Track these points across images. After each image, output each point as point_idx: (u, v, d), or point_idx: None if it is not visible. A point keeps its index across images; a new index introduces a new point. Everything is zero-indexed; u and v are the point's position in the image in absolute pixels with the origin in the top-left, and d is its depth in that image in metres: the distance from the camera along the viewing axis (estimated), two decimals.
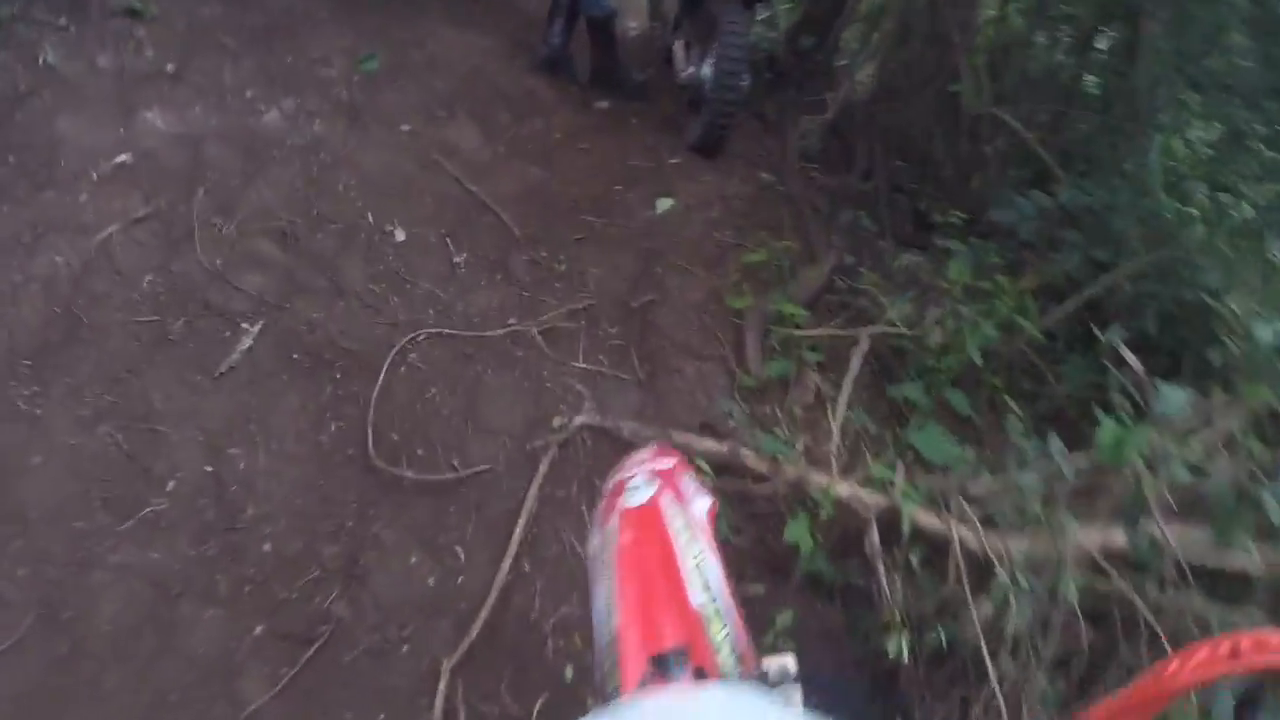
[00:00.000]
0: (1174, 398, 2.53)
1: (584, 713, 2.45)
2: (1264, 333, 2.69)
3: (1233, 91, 3.98)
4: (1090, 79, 5.10)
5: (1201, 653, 1.00)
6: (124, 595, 2.61)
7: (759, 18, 5.60)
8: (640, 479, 1.82)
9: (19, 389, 2.92)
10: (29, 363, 2.98)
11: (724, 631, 1.59)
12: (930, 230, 4.35)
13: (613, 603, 1.64)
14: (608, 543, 1.74)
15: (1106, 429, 2.59)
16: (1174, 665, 1.02)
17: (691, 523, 1.75)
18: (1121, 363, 2.74)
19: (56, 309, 3.13)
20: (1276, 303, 3.07)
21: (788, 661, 1.92)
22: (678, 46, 5.10)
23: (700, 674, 1.50)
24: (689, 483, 1.82)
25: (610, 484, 1.85)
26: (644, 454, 1.91)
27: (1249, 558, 2.46)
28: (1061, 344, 3.86)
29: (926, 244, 4.26)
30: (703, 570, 1.67)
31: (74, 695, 2.47)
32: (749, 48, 4.54)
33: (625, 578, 1.67)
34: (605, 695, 1.52)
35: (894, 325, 3.61)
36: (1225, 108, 4.11)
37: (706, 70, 4.62)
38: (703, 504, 1.81)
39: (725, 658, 1.56)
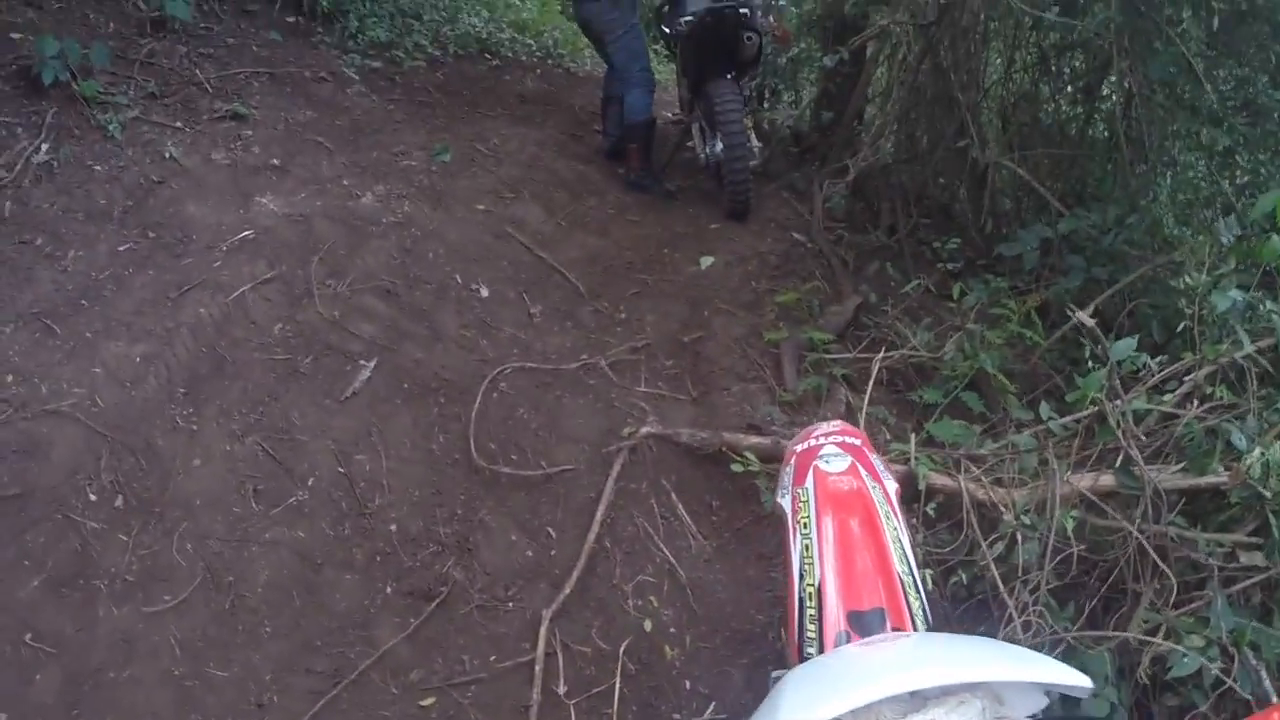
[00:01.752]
0: (1122, 346, 3.06)
1: (663, 659, 3.01)
2: (1221, 301, 3.22)
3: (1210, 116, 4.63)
4: (1100, 124, 5.76)
5: None
6: (275, 564, 3.15)
7: (749, 89, 6.06)
8: (833, 449, 2.05)
9: (177, 410, 3.51)
10: (184, 390, 3.57)
11: (918, 602, 1.82)
12: (951, 275, 4.89)
13: (813, 559, 1.86)
14: (806, 501, 1.95)
15: (1079, 381, 3.14)
16: None
17: (886, 498, 1.99)
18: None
19: (203, 349, 3.72)
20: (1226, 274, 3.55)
21: None
22: (694, 129, 5.71)
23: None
24: (878, 462, 2.08)
25: (797, 446, 2.12)
26: (829, 425, 2.18)
27: (1218, 477, 2.98)
28: (1080, 367, 4.33)
29: (947, 285, 4.78)
30: (900, 542, 1.90)
31: (234, 641, 3.00)
32: (742, 118, 5.16)
33: (826, 534, 1.89)
34: (801, 650, 1.76)
35: (915, 350, 4.14)
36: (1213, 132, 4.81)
37: (718, 146, 5.23)
38: (892, 485, 2.06)
39: (921, 624, 1.77)
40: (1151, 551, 2.89)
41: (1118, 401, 3.08)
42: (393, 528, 3.31)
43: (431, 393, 3.77)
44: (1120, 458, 3.08)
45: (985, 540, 3.06)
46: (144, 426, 3.45)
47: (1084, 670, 2.74)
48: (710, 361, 4.22)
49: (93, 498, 3.26)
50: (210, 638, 2.99)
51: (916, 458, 3.30)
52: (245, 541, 3.20)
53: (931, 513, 3.20)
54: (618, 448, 3.63)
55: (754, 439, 3.62)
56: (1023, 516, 3.02)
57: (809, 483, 1.99)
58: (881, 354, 3.97)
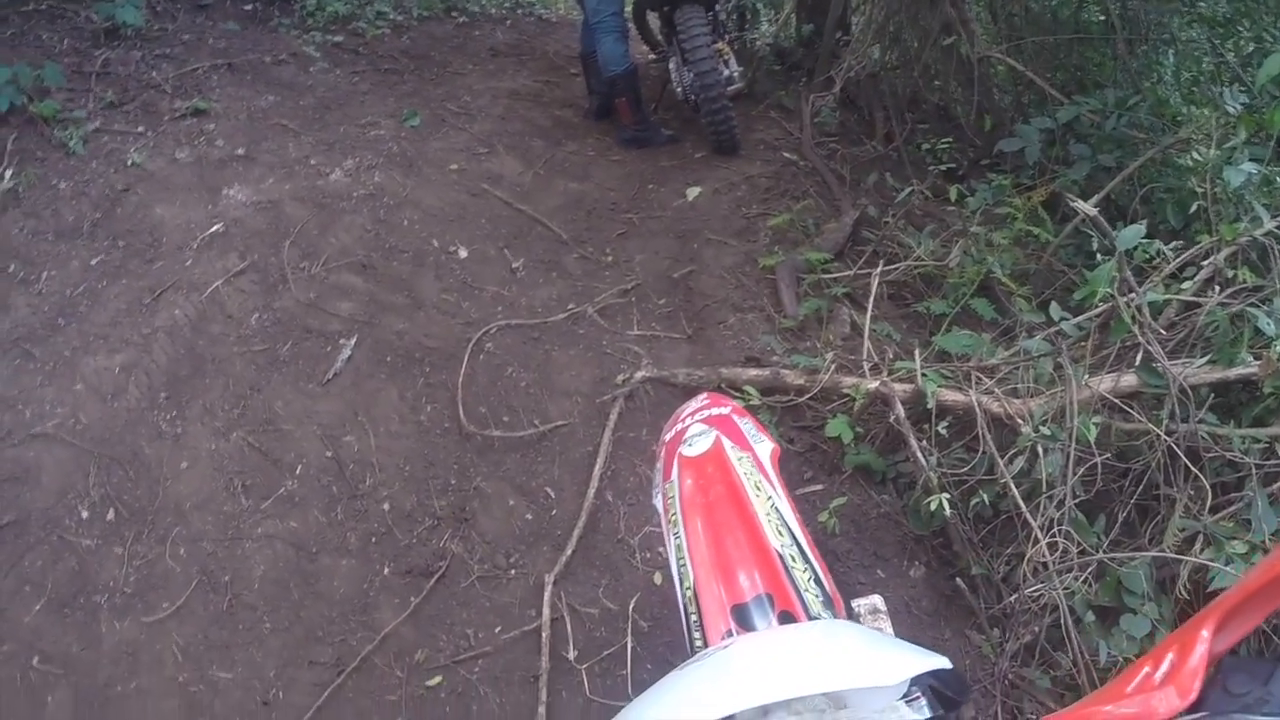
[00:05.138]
0: (1129, 233, 2.81)
1: (675, 613, 2.80)
2: (1234, 176, 2.99)
3: None
4: (1093, 6, 5.48)
5: None
6: (270, 558, 3.08)
7: (723, 12, 5.60)
8: (697, 428, 1.86)
9: (160, 415, 3.44)
10: (165, 395, 3.50)
11: (807, 573, 1.62)
12: (952, 178, 4.69)
13: (685, 558, 1.67)
14: (673, 498, 1.76)
15: (1087, 276, 2.92)
16: None
17: (758, 466, 1.78)
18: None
19: (181, 351, 3.65)
20: (1238, 147, 3.30)
21: (876, 600, 2.14)
22: (672, 64, 5.39)
23: (787, 618, 1.55)
24: (749, 427, 1.89)
25: (666, 437, 1.94)
26: (696, 403, 1.99)
27: (1247, 367, 2.77)
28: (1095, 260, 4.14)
29: (948, 190, 4.57)
30: (776, 513, 1.70)
31: (235, 641, 2.94)
32: (712, 45, 4.84)
33: (695, 529, 1.69)
34: (692, 651, 1.58)
35: (920, 260, 3.93)
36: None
37: (690, 77, 4.98)
38: (766, 448, 1.85)
39: (812, 599, 1.59)
40: (1181, 454, 2.69)
41: (1131, 294, 2.85)
42: (386, 506, 3.21)
43: (416, 363, 3.66)
44: (1140, 355, 2.86)
45: (1003, 456, 2.87)
46: (129, 437, 3.39)
47: (1124, 587, 2.62)
48: (704, 295, 4.05)
49: (85, 515, 3.21)
50: (211, 640, 2.93)
51: (924, 374, 3.14)
52: (238, 539, 3.12)
53: (944, 432, 3.02)
54: (612, 396, 3.51)
55: (753, 372, 3.46)
56: (1041, 427, 2.82)
57: (674, 475, 1.81)
58: (880, 268, 3.77)
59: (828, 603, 1.60)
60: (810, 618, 1.55)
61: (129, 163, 4.56)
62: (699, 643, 1.58)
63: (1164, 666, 0.87)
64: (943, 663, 1.12)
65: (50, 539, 3.16)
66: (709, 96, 4.83)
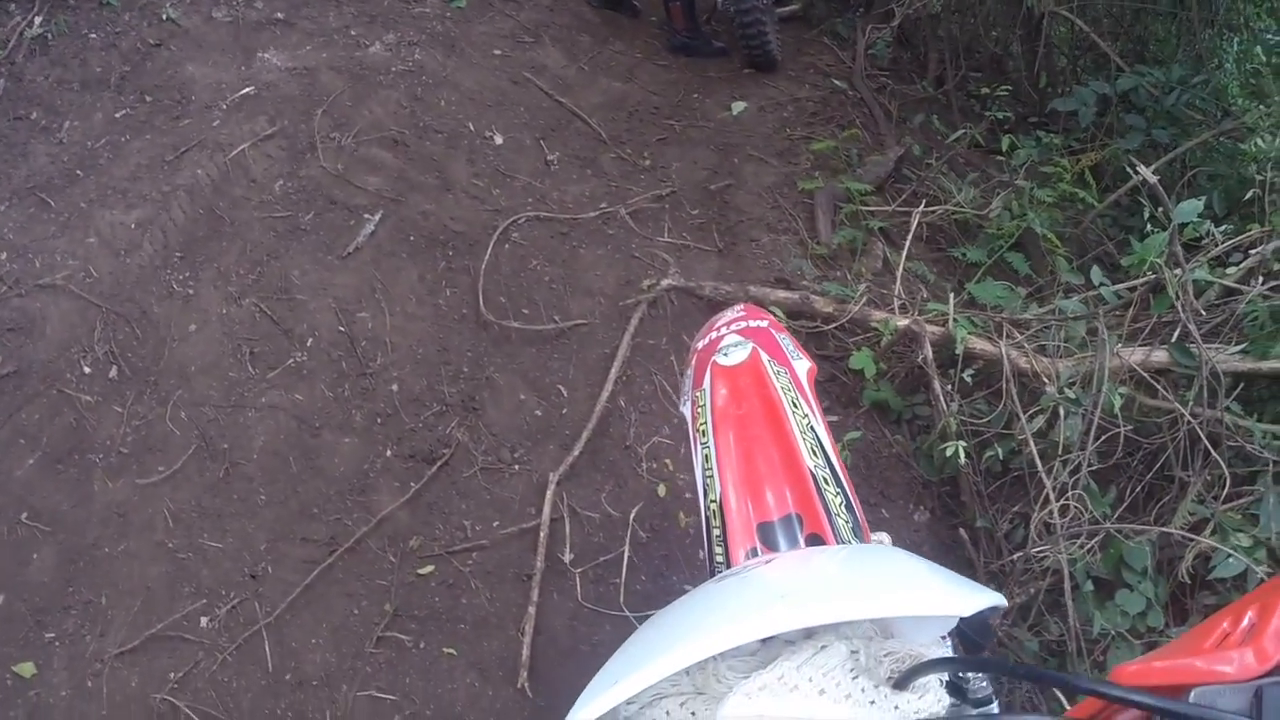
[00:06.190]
0: (1188, 207, 2.72)
1: (676, 526, 2.71)
2: None
3: None
4: None
5: None
6: (272, 429, 3.00)
7: None
8: (733, 338, 1.76)
9: (173, 275, 3.34)
10: (180, 254, 3.40)
11: (839, 498, 1.57)
12: (1001, 128, 4.52)
13: (713, 469, 1.61)
14: (704, 406, 1.69)
15: (1135, 245, 2.80)
16: None
17: (795, 383, 1.70)
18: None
19: (200, 211, 3.54)
20: None
21: (884, 537, 2.02)
22: None
23: (815, 541, 1.50)
24: (788, 343, 1.80)
25: (698, 344, 1.84)
26: (732, 313, 1.89)
27: None
28: (1135, 234, 4.01)
29: (996, 142, 4.41)
30: (812, 432, 1.64)
31: (228, 511, 2.87)
32: None
33: (726, 441, 1.63)
34: (712, 567, 1.54)
35: (959, 207, 3.81)
36: None
37: None
38: (804, 366, 1.77)
39: (842, 524, 1.53)
40: (1204, 438, 2.64)
41: (1178, 270, 2.77)
42: (395, 388, 3.12)
43: (439, 245, 3.54)
44: (1177, 332, 2.82)
45: (1025, 413, 2.81)
46: (139, 294, 3.30)
47: (1125, 563, 2.53)
48: (739, 211, 3.91)
49: (87, 370, 3.14)
50: (204, 508, 2.87)
51: (955, 319, 3.05)
52: (241, 407, 3.04)
53: (969, 379, 2.95)
54: (636, 301, 3.39)
55: (782, 293, 3.36)
56: (1066, 389, 2.78)
57: (706, 383, 1.73)
58: (922, 207, 3.67)
59: (857, 529, 1.55)
60: (839, 543, 1.50)
61: (163, 17, 4.40)
62: (720, 558, 1.53)
63: (1244, 624, 0.81)
64: (1001, 600, 1.06)
65: (49, 393, 3.08)
66: (741, 9, 4.60)
